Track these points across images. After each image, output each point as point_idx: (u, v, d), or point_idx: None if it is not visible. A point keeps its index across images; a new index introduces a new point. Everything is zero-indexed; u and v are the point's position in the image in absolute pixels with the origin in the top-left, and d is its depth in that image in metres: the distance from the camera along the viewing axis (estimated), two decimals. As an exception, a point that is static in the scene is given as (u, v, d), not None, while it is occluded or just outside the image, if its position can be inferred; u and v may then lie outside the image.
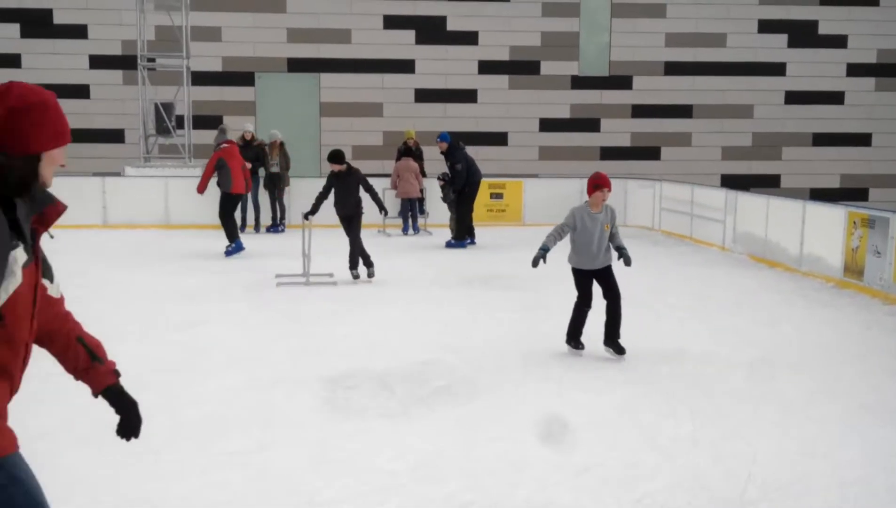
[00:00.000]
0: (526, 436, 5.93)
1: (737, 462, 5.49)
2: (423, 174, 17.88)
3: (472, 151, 21.60)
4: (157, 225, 17.52)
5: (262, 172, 17.34)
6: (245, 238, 16.26)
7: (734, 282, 12.00)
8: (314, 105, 21.53)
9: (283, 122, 20.32)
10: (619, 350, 7.99)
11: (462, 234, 15.46)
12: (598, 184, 8.00)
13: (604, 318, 8.05)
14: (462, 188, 15.25)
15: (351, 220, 11.61)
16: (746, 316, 9.81)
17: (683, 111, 22.09)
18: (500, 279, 11.96)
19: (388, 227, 17.14)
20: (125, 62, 20.63)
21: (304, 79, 21.44)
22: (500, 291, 11.19)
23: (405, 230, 17.14)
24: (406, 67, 21.53)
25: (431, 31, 21.49)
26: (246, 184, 14.49)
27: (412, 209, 17.22)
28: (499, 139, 21.77)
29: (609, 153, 21.91)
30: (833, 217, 12.21)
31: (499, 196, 18.49)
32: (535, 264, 8.05)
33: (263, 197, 17.56)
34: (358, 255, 11.74)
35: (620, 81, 22.01)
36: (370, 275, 11.71)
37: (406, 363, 7.71)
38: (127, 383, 6.92)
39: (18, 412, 6.19)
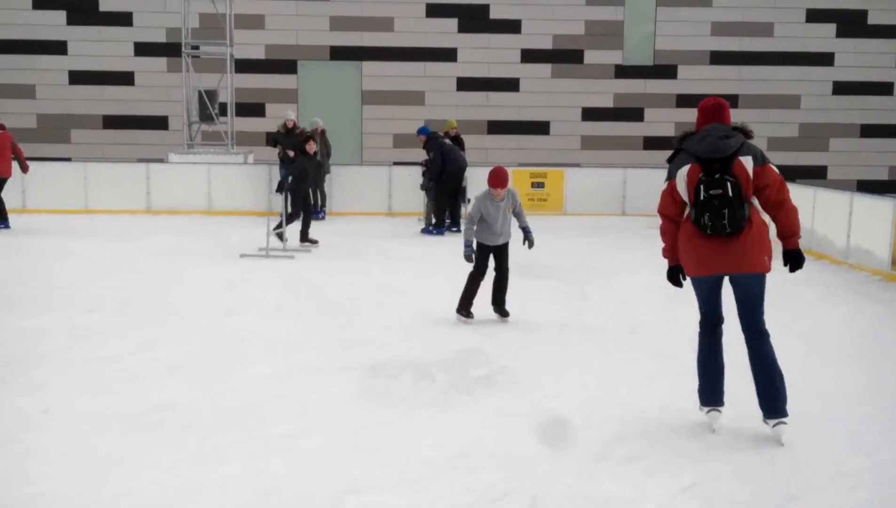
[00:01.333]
0: (565, 427, 5.89)
1: (780, 456, 5.40)
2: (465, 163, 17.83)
3: (513, 140, 21.64)
4: (200, 211, 17.64)
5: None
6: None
7: (779, 274, 11.78)
8: (356, 93, 21.55)
9: (325, 110, 20.36)
10: (504, 314, 8.93)
11: (441, 221, 15.61)
12: (493, 183, 8.70)
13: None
14: (439, 177, 15.42)
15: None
16: (791, 309, 9.66)
17: (729, 101, 21.77)
18: (540, 269, 11.88)
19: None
20: (169, 49, 20.79)
21: (347, 67, 21.47)
22: (541, 280, 11.12)
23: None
24: (448, 55, 21.48)
25: (474, 19, 21.41)
26: (18, 168, 15.21)
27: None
28: (541, 128, 21.66)
29: (652, 143, 21.71)
30: (881, 209, 11.99)
31: (540, 185, 18.39)
32: (468, 259, 8.70)
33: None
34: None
35: (665, 71, 21.79)
36: None
37: (446, 352, 7.69)
38: (168, 369, 7.01)
39: (66, 395, 6.31)
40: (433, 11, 21.32)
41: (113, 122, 21.13)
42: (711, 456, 5.41)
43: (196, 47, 19.42)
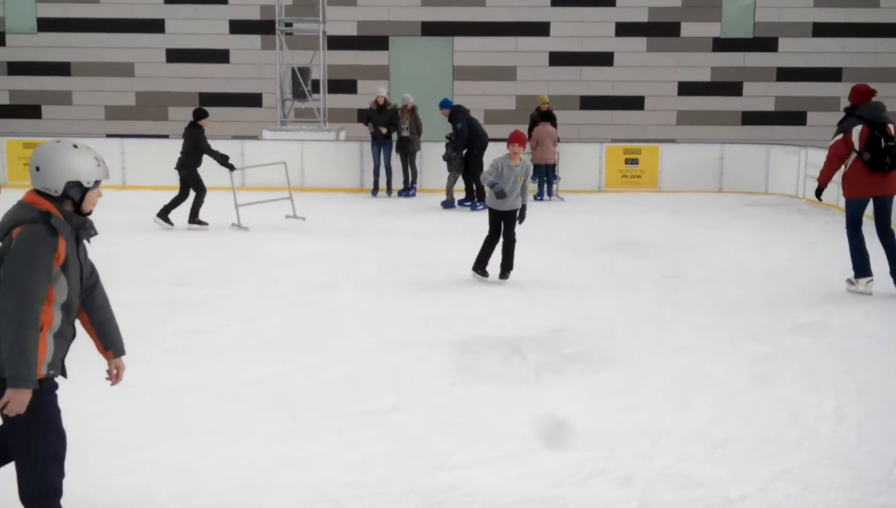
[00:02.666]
0: (660, 406, 5.77)
1: (884, 441, 5.20)
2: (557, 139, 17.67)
3: (606, 115, 21.33)
4: (292, 187, 17.80)
5: (394, 136, 17.39)
6: (379, 201, 16.43)
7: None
8: (447, 69, 21.49)
9: (416, 86, 20.32)
10: (505, 275, 9.46)
11: (474, 194, 15.54)
12: (511, 140, 9.27)
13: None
14: (470, 149, 15.42)
15: None
16: (897, 290, 9.29)
17: (832, 74, 21.11)
18: (634, 246, 11.69)
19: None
20: (264, 27, 21.02)
21: (438, 42, 21.41)
22: (634, 258, 10.93)
23: (539, 196, 16.94)
24: (541, 29, 21.24)
25: (568, -8, 21.12)
26: None
27: (547, 175, 17.00)
28: (635, 103, 21.29)
29: (751, 118, 21.16)
30: None
31: (634, 162, 18.05)
32: (499, 196, 9.26)
33: (395, 161, 17.62)
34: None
35: (765, 43, 21.17)
36: None
37: (537, 329, 7.61)
38: (261, 342, 7.07)
39: (163, 368, 6.41)
40: (526, -15, 21.10)
41: (209, 99, 21.47)
42: (810, 440, 5.24)
43: (289, 24, 19.58)
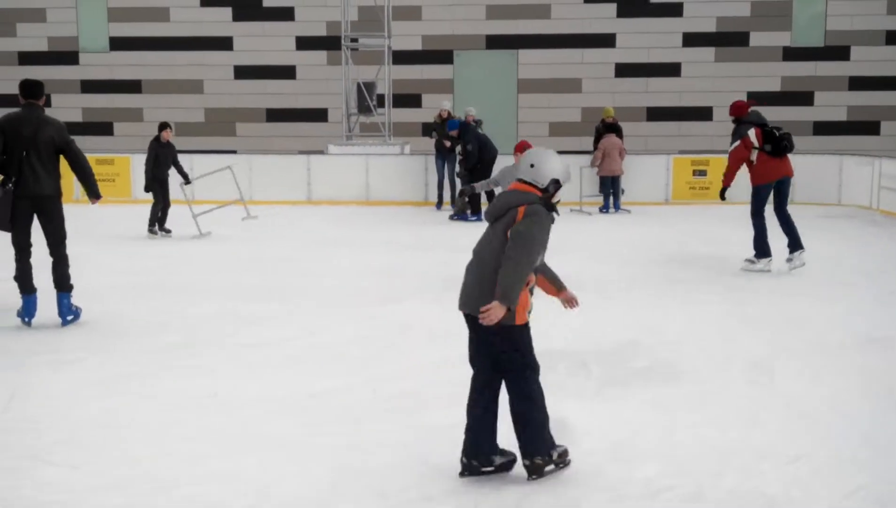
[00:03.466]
0: (729, 422, 5.66)
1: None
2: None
3: (673, 126, 21.11)
4: (358, 201, 17.95)
5: (458, 149, 17.40)
6: (443, 214, 16.44)
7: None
8: (512, 82, 21.47)
9: (481, 99, 20.33)
10: None
11: (480, 208, 15.59)
12: (516, 150, 10.38)
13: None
14: (475, 166, 15.50)
15: None
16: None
17: (909, 83, 20.61)
18: (702, 259, 11.52)
19: (586, 204, 16.86)
20: (329, 43, 21.24)
21: (502, 55, 21.40)
22: (702, 271, 10.77)
23: (605, 209, 16.81)
24: (607, 41, 21.12)
25: (634, 3, 20.98)
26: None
27: (614, 187, 16.87)
28: (703, 114, 21.02)
29: (823, 128, 20.74)
30: None
31: (702, 173, 17.81)
32: (461, 194, 11.19)
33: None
34: None
35: (837, 52, 20.77)
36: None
37: (603, 343, 7.54)
38: (329, 355, 7.12)
39: (232, 380, 6.46)
40: (592, -3, 21.01)
41: (275, 115, 21.76)
42: (884, 458, 5.09)
43: (355, 40, 19.75)
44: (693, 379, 6.56)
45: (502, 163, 16.19)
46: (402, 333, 7.93)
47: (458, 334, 7.83)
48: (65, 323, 8.07)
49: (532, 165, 4.80)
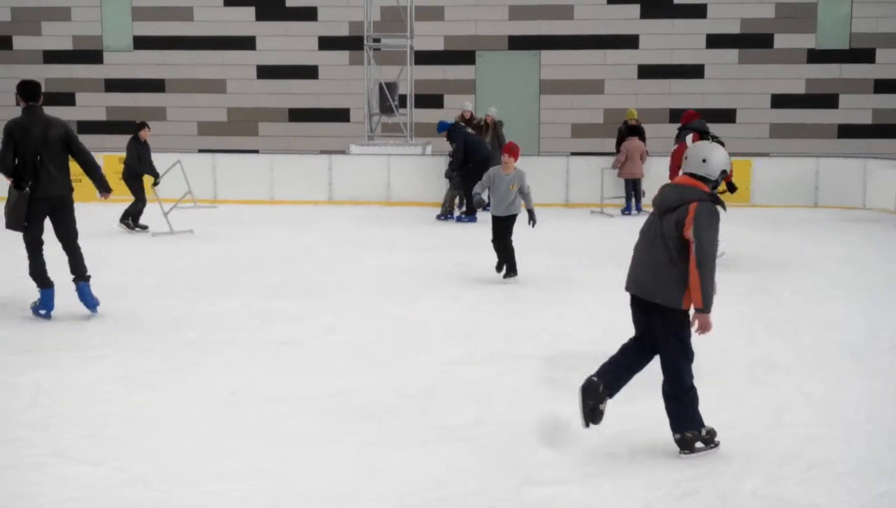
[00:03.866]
0: (752, 426, 5.61)
1: None
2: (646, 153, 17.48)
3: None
4: (379, 201, 17.95)
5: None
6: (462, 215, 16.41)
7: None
8: (534, 83, 21.41)
9: (503, 100, 20.29)
10: (510, 275, 10.19)
11: (472, 208, 15.42)
12: (503, 151, 10.49)
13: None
14: (466, 165, 15.39)
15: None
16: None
17: (936, 85, 20.42)
18: (724, 261, 11.40)
19: (607, 206, 16.81)
20: (352, 43, 21.25)
21: (525, 56, 21.35)
22: (724, 273, 10.55)
23: (627, 210, 16.75)
24: (630, 42, 21.03)
25: (657, 4, 20.88)
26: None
27: (636, 189, 16.81)
28: (727, 116, 20.89)
29: (848, 131, 20.57)
30: None
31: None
32: (478, 205, 11.10)
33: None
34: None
35: (862, 54, 20.58)
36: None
37: (626, 344, 7.47)
38: (350, 354, 7.13)
39: (253, 377, 6.48)
40: (614, -3, 20.93)
41: (298, 114, 21.79)
42: (915, 463, 5.03)
43: (377, 40, 19.76)
44: (715, 381, 6.50)
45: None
46: (422, 332, 7.92)
47: (475, 333, 7.85)
48: (94, 310, 8.24)
49: (704, 160, 5.12)
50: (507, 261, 10.24)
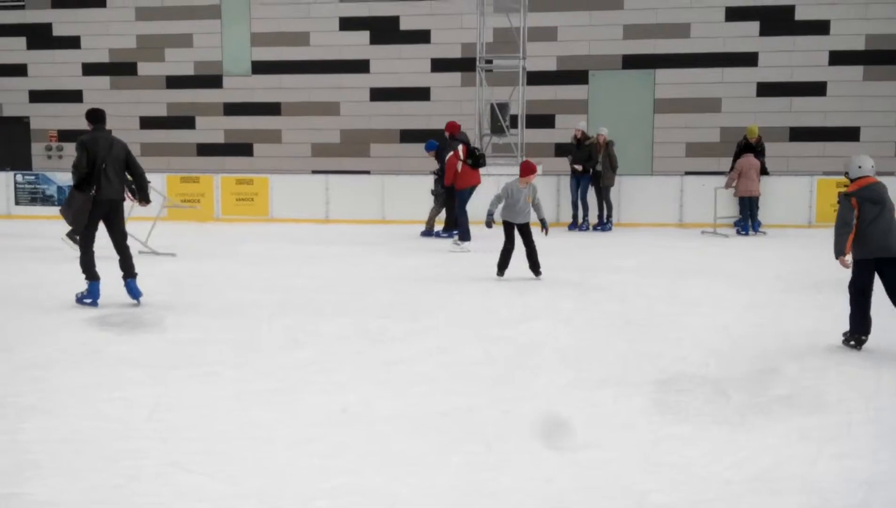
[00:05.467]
0: (878, 454, 5.34)
1: None
2: (766, 172, 17.04)
3: (817, 147, 20.40)
4: (490, 222, 17.92)
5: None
6: (575, 235, 16.27)
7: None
8: (648, 102, 21.16)
9: (615, 119, 20.12)
10: (537, 274, 11.55)
11: (452, 224, 15.90)
12: (521, 173, 11.56)
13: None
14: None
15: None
16: None
17: None
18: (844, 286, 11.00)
19: (720, 226, 16.43)
20: (464, 64, 21.39)
21: (639, 75, 21.13)
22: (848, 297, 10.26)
23: (744, 230, 16.34)
24: (748, 59, 20.60)
25: (777, 20, 20.41)
26: None
27: (751, 208, 16.39)
28: (849, 134, 20.23)
29: (978, 148, 19.69)
30: None
31: (848, 195, 17.11)
32: (488, 225, 11.85)
33: (592, 196, 17.46)
34: None
35: None
36: None
37: (743, 369, 7.27)
38: (459, 373, 7.09)
39: (363, 396, 6.50)
40: (733, 14, 20.53)
41: (409, 136, 22.02)
42: None
43: (490, 61, 19.83)
44: (840, 409, 6.24)
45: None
46: (532, 353, 7.84)
47: (586, 355, 7.73)
48: (138, 298, 9.76)
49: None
50: (535, 261, 11.51)
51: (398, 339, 8.37)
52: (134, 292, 9.77)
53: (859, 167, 8.07)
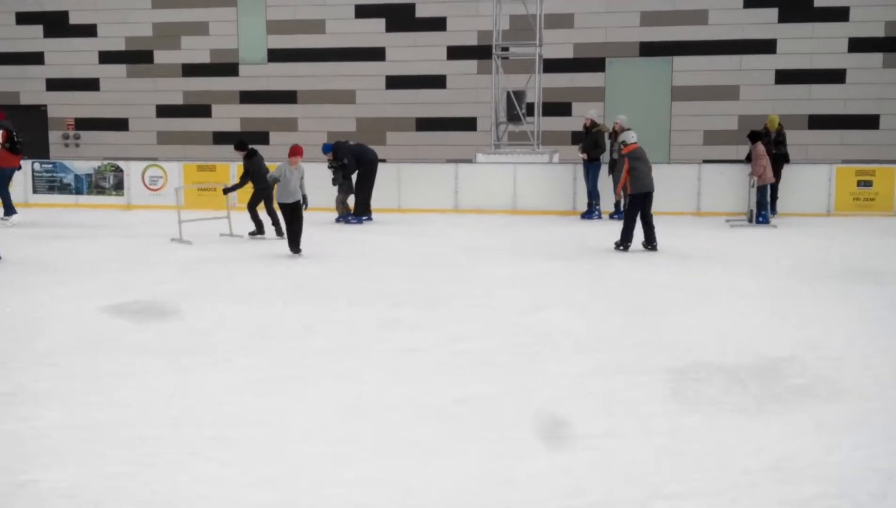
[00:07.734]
0: (895, 443, 5.31)
1: None
2: (787, 160, 16.94)
3: (836, 135, 20.26)
4: (505, 210, 17.92)
5: (604, 158, 17.18)
6: (590, 224, 16.23)
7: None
8: (665, 89, 21.04)
9: (633, 107, 20.01)
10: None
11: (361, 210, 16.63)
12: (291, 153, 12.50)
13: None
14: (359, 169, 16.55)
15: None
16: None
17: None
18: (869, 273, 10.95)
19: (736, 215, 16.33)
20: (480, 52, 21.33)
21: (656, 63, 21.01)
22: (867, 286, 10.23)
23: (764, 219, 16.24)
24: (767, 46, 20.44)
25: (795, 7, 20.25)
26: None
27: (773, 195, 16.28)
28: (869, 122, 20.07)
29: None
30: None
31: (867, 184, 16.99)
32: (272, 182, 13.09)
33: (606, 184, 17.31)
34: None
35: None
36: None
37: (759, 358, 7.23)
38: (474, 362, 7.08)
39: (378, 384, 6.51)
40: (751, 1, 20.38)
41: (425, 123, 21.99)
42: None
43: (506, 49, 19.76)
44: (857, 398, 6.21)
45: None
46: (548, 342, 7.83)
47: (602, 344, 7.71)
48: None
49: None
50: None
51: (413, 327, 8.37)
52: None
53: None
